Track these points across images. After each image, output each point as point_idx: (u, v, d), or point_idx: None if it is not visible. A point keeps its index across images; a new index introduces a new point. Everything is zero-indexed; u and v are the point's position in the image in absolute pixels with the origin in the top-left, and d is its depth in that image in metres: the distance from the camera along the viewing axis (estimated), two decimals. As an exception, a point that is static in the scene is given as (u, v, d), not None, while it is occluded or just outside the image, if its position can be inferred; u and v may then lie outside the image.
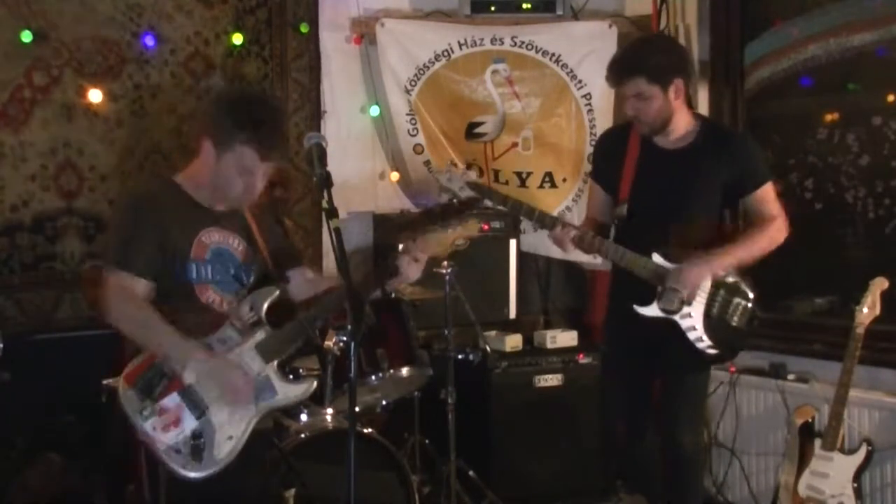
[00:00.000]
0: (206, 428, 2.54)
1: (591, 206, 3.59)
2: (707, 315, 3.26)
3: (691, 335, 3.26)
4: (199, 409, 2.55)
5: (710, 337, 3.26)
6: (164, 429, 2.51)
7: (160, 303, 2.58)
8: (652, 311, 3.25)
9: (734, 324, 3.28)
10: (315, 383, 2.72)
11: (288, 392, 2.66)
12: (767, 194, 3.35)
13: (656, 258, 3.24)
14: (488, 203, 3.38)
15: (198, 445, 2.51)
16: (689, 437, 3.43)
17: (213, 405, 2.55)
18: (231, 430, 2.56)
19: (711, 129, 3.41)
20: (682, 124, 3.30)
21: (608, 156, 3.49)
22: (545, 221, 3.27)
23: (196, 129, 2.68)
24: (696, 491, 3.56)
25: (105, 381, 3.40)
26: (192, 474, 2.50)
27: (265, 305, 2.67)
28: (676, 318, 3.24)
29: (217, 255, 2.67)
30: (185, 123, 4.38)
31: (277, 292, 2.72)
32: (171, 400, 2.54)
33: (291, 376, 2.74)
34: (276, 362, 2.65)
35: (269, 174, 2.67)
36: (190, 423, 2.54)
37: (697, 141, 3.32)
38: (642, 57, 3.22)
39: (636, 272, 3.25)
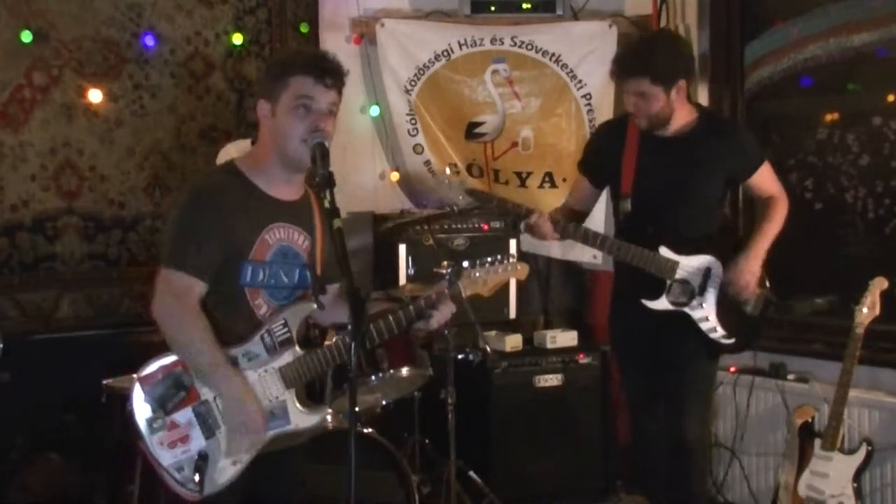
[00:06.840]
0: (213, 450, 2.42)
1: (573, 195, 3.62)
2: (720, 304, 3.26)
3: (704, 326, 3.27)
4: (211, 430, 2.43)
5: (725, 326, 3.27)
6: (171, 444, 2.40)
7: (211, 306, 2.43)
8: (661, 304, 3.26)
9: (749, 311, 3.29)
10: (328, 412, 2.60)
11: (301, 421, 2.50)
12: (766, 175, 3.42)
13: (664, 251, 3.25)
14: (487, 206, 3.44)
15: (201, 466, 2.39)
16: (694, 430, 3.41)
17: (224, 427, 2.43)
18: (238, 456, 2.44)
19: (709, 117, 3.45)
20: (681, 117, 3.31)
21: (603, 149, 3.48)
22: (521, 212, 3.27)
23: (254, 105, 2.58)
24: (698, 486, 3.54)
25: (105, 381, 3.44)
26: (189, 494, 2.40)
27: (299, 323, 2.52)
28: (687, 309, 3.25)
29: (280, 255, 2.50)
30: (185, 123, 4.39)
31: (314, 307, 2.55)
32: (184, 416, 2.42)
33: (308, 405, 2.55)
34: (295, 389, 2.51)
35: (335, 106, 2.46)
36: (198, 442, 2.42)
37: (696, 129, 3.33)
38: (648, 57, 3.21)
39: (643, 267, 3.24)
